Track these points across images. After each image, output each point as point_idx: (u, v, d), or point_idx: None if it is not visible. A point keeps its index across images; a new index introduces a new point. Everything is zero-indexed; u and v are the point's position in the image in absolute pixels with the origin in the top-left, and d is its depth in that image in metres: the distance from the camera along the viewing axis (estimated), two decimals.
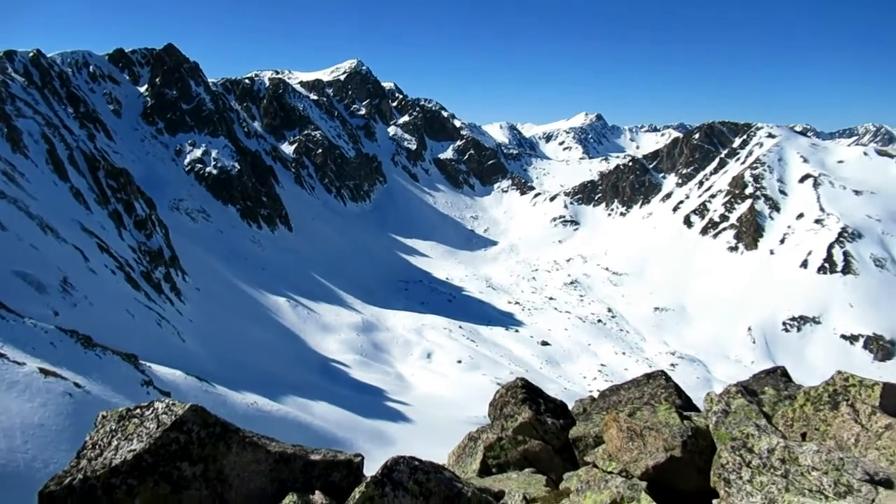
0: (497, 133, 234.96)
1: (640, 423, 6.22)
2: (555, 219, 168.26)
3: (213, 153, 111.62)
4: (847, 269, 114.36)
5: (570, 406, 10.33)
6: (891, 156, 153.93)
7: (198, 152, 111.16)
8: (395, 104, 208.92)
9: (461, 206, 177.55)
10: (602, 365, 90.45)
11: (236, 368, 51.62)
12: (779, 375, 10.81)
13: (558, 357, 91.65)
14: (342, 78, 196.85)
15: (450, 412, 54.38)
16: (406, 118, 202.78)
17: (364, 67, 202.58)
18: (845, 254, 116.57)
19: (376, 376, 66.29)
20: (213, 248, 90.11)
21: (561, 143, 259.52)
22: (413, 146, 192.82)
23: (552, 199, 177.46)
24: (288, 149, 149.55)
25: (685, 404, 8.85)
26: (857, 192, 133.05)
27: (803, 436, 5.98)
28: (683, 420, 6.21)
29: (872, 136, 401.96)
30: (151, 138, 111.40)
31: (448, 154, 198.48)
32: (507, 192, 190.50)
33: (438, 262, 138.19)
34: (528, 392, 9.17)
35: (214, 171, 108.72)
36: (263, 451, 5.30)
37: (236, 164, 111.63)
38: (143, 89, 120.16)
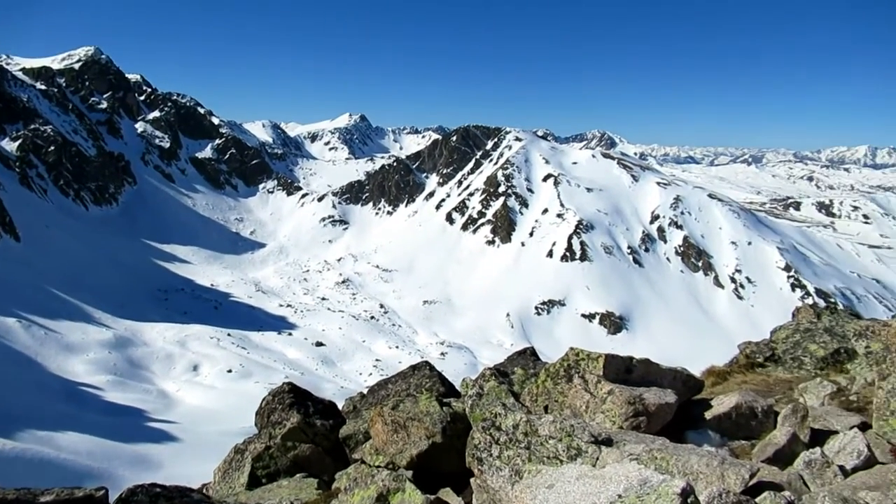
0: (260, 132, 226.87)
1: (404, 414, 6.41)
2: (324, 219, 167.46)
3: None
4: (584, 257, 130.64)
5: (342, 405, 10.34)
6: (613, 158, 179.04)
7: None
8: (143, 98, 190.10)
9: (224, 207, 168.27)
10: (377, 360, 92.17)
11: None
12: (528, 355, 11.92)
13: (334, 356, 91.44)
14: (77, 67, 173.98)
15: (222, 425, 51.39)
16: (157, 114, 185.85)
17: (103, 56, 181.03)
18: (582, 243, 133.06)
19: (135, 396, 60.26)
20: None
21: (327, 143, 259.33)
22: (166, 144, 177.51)
23: (320, 199, 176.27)
24: (10, 145, 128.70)
25: (448, 391, 9.33)
26: (588, 190, 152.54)
27: (546, 408, 6.65)
28: (443, 407, 6.54)
29: (598, 141, 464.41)
30: None
31: (207, 153, 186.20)
32: (273, 192, 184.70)
33: (201, 267, 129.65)
34: (295, 396, 8.97)
35: None
36: None
37: None
38: None
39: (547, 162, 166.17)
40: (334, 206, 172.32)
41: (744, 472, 4.14)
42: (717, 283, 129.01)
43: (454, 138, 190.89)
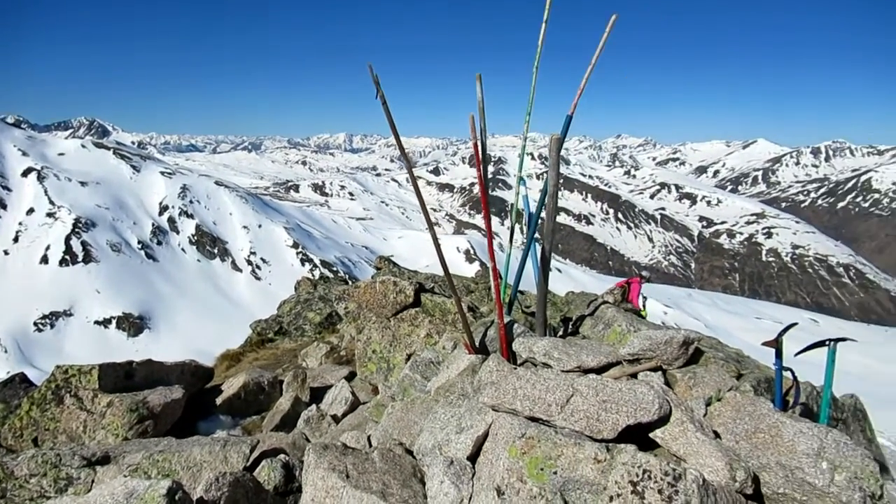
0: None
1: None
2: None
3: None
4: (88, 258, 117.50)
5: None
6: (108, 148, 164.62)
7: None
8: None
9: None
10: None
11: None
12: (17, 383, 10.12)
13: None
14: None
15: None
16: None
17: None
18: (83, 243, 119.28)
19: None
20: None
21: None
22: None
23: None
24: None
25: None
26: (83, 184, 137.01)
27: (34, 441, 5.76)
28: None
29: (87, 129, 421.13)
30: None
31: None
32: None
33: None
34: None
35: None
36: None
37: None
38: None
39: (25, 154, 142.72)
40: None
41: (245, 448, 4.34)
42: (235, 267, 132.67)
43: None
